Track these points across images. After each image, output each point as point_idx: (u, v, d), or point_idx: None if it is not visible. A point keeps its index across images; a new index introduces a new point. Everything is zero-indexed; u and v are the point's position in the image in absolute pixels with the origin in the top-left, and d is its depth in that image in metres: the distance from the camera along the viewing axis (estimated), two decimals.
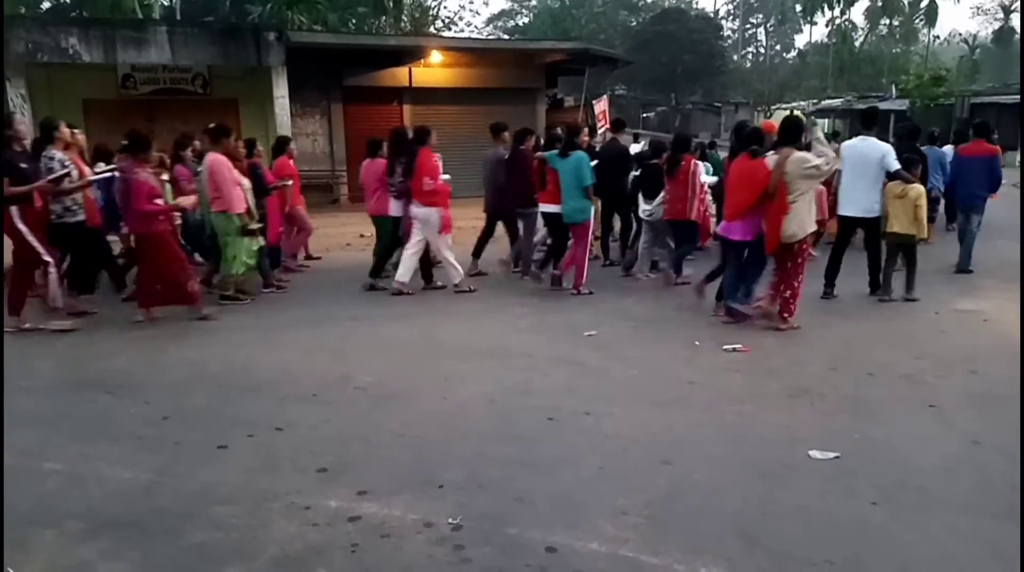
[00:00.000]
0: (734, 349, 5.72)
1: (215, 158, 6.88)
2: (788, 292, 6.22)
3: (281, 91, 13.69)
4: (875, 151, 7.08)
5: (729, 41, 57.47)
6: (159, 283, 6.53)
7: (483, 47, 17.01)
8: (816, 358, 5.56)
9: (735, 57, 58.67)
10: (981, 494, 3.49)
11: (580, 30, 48.34)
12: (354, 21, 29.08)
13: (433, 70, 16.58)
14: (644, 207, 8.09)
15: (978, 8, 66.34)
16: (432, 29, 32.91)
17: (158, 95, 14.93)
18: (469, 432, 4.26)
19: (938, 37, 60.72)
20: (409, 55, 16.21)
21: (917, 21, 56.02)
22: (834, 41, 54.52)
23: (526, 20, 57.18)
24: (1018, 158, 20.94)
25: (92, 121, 13.00)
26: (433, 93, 16.59)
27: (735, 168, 6.47)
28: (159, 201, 6.42)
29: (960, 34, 63.86)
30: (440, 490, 3.53)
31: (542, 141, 8.97)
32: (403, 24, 31.66)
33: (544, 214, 7.93)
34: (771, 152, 6.20)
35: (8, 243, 6.13)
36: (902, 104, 30.44)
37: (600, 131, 13.64)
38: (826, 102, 37.23)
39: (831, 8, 53.78)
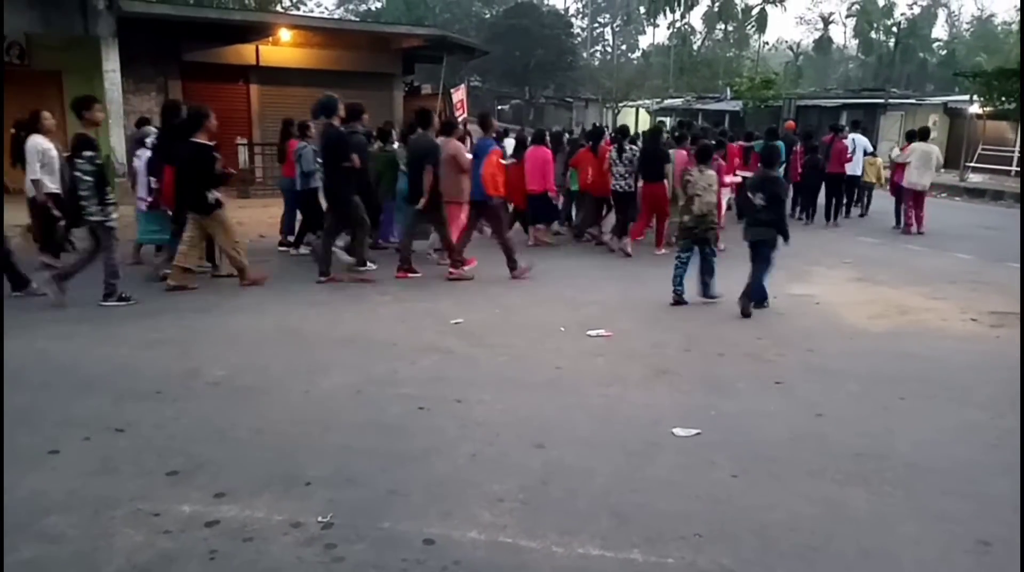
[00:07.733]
0: (598, 334, 5.86)
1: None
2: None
3: (112, 65, 12.46)
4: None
5: (579, 39, 59.12)
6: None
7: (336, 28, 16.39)
8: (671, 341, 5.80)
9: (584, 55, 60.50)
10: (824, 460, 3.76)
11: (434, 18, 47.92)
12: None
13: (282, 49, 15.78)
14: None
15: (801, 18, 72.66)
16: (279, 7, 31.42)
17: None
18: (334, 425, 4.07)
19: (767, 43, 65.71)
20: (255, 32, 15.31)
21: (749, 27, 60.24)
22: (675, 43, 57.56)
23: (379, 5, 55.97)
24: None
25: None
26: (282, 73, 15.77)
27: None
28: None
29: (786, 41, 69.62)
30: (307, 488, 3.33)
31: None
32: (247, 1, 30.02)
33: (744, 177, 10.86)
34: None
35: None
36: (736, 105, 32.56)
37: (461, 120, 13.55)
38: (668, 101, 39.18)
39: (672, 11, 56.72)
